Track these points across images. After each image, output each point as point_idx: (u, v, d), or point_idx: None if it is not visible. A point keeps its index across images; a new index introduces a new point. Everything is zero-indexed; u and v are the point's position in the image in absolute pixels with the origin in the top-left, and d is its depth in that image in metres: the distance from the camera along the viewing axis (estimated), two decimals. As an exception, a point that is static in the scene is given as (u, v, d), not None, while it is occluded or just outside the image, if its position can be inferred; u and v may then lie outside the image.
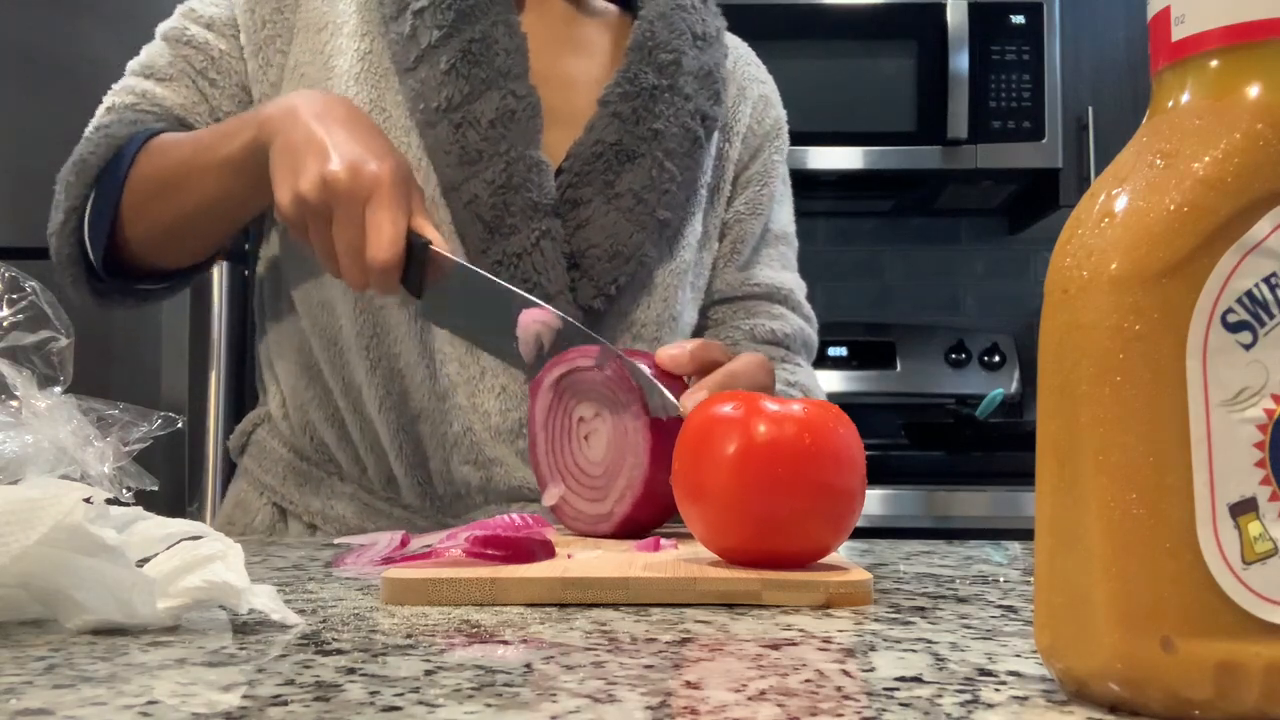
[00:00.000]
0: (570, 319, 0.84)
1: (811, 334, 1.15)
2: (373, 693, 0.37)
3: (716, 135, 1.09)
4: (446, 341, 0.95)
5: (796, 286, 1.15)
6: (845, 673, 0.41)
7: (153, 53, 1.04)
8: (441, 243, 0.84)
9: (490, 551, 0.61)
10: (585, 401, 0.81)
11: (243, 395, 1.98)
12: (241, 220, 1.00)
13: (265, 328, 1.07)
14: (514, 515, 0.69)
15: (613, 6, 1.11)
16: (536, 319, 0.83)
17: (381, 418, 0.97)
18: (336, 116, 0.86)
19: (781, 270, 1.15)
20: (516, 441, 0.96)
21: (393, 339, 0.96)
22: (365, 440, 0.99)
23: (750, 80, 1.15)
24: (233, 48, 1.02)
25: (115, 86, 1.04)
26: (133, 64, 1.05)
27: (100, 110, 1.04)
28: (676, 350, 0.80)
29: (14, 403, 0.54)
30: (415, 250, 0.83)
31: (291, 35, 1.01)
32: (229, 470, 1.85)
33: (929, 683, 0.40)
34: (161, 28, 1.05)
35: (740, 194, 1.12)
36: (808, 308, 1.16)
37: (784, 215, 1.17)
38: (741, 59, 1.16)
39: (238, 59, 1.02)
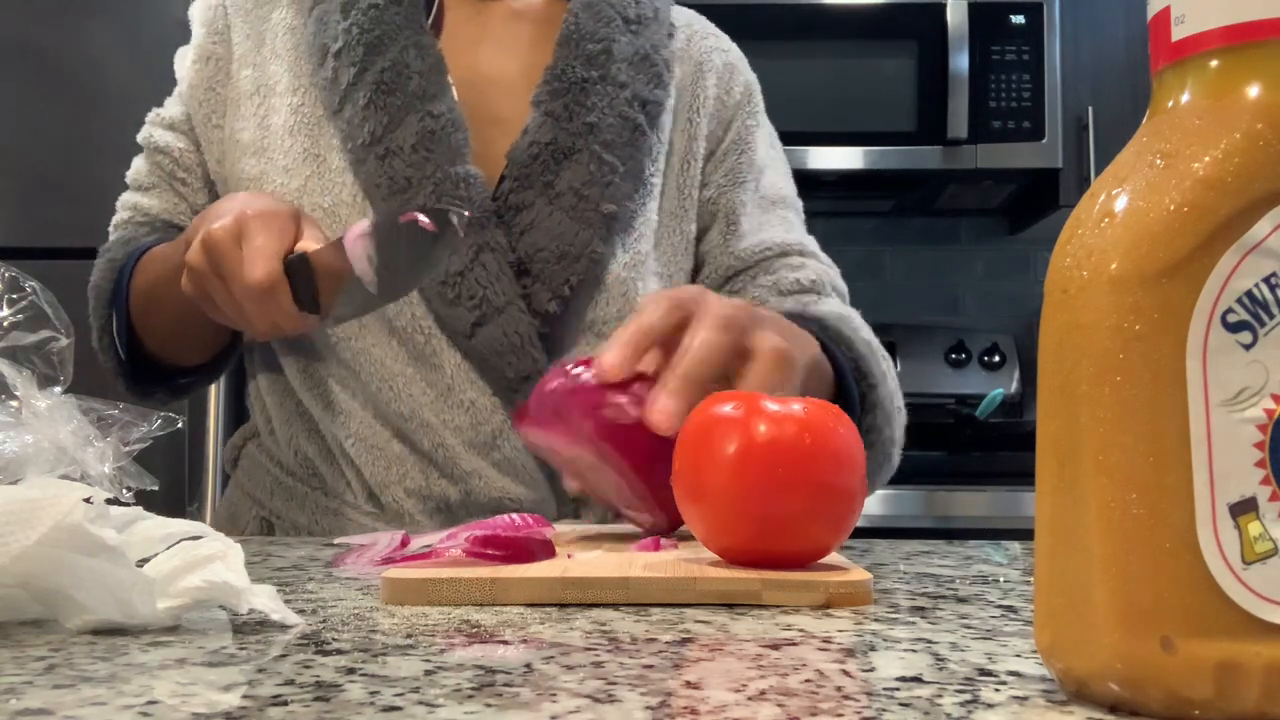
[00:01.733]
0: (567, 290, 0.85)
1: (836, 277, 1.08)
2: (373, 693, 0.37)
3: (670, 117, 1.06)
4: (408, 364, 0.95)
5: (809, 242, 1.09)
6: (845, 673, 0.41)
7: (136, 165, 1.09)
8: (319, 248, 0.83)
9: (490, 551, 0.61)
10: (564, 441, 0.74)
11: (242, 395, 1.98)
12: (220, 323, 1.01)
13: (249, 348, 1.09)
14: (514, 515, 0.69)
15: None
16: (354, 238, 0.82)
17: (357, 436, 0.98)
18: (234, 199, 0.88)
19: (788, 232, 1.09)
20: (492, 453, 0.96)
21: (359, 364, 0.97)
22: (345, 458, 1.00)
23: (710, 52, 1.11)
24: (190, 144, 1.06)
25: (117, 204, 1.10)
26: (126, 178, 1.10)
27: (111, 230, 1.09)
28: (608, 357, 0.70)
29: (14, 403, 0.54)
30: (293, 266, 0.82)
31: (224, 108, 1.03)
32: (227, 470, 1.86)
33: (929, 683, 0.40)
34: (139, 136, 1.09)
35: (719, 167, 1.08)
36: (825, 257, 1.09)
37: (775, 179, 1.12)
38: (697, 33, 1.12)
39: (195, 154, 1.06)
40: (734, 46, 1.16)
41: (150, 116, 1.09)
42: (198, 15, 1.08)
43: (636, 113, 1.00)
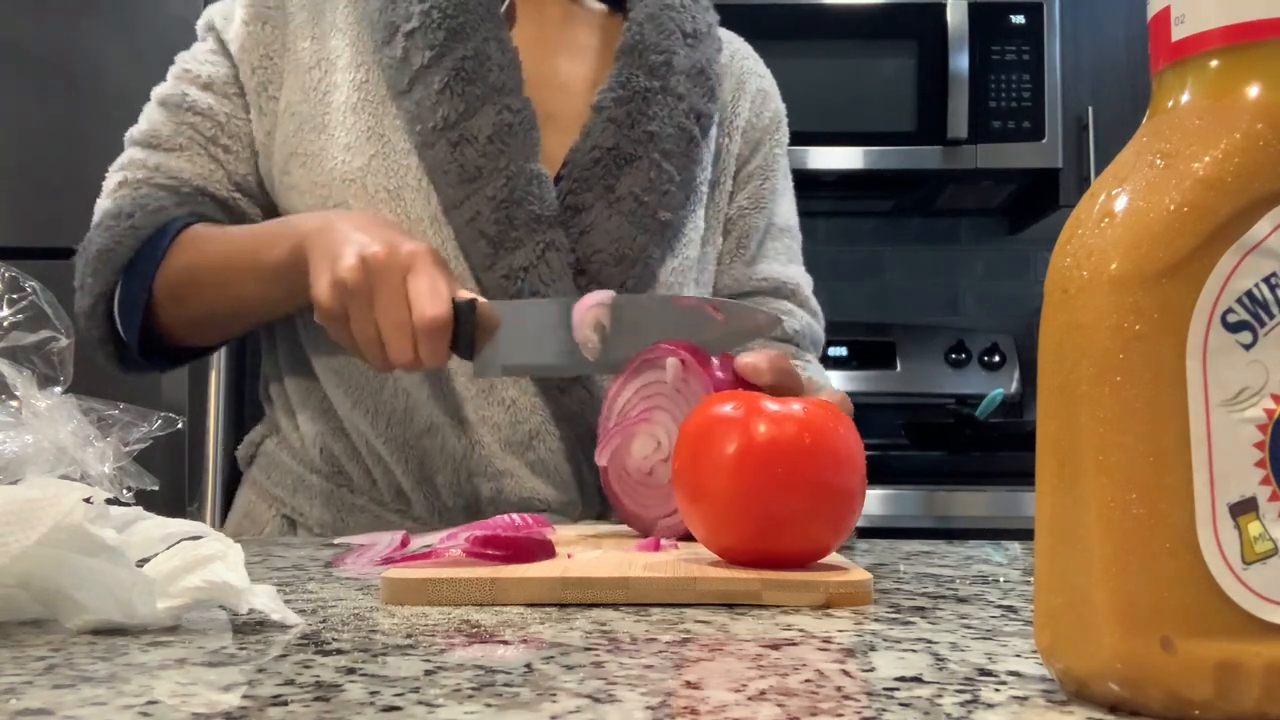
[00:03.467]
0: (621, 291, 0.84)
1: (819, 330, 1.15)
2: (373, 693, 0.37)
3: (715, 130, 1.09)
4: (453, 358, 0.95)
5: (804, 281, 1.15)
6: (845, 673, 0.41)
7: (155, 121, 1.03)
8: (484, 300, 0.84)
9: (490, 551, 0.61)
10: (658, 409, 0.79)
11: (242, 395, 1.98)
12: (274, 318, 1.01)
13: (271, 346, 1.07)
14: (514, 515, 0.69)
15: (602, 5, 1.11)
16: (588, 305, 0.83)
17: (389, 433, 0.97)
18: (370, 220, 0.87)
19: (788, 264, 1.15)
20: (527, 453, 0.96)
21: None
22: (373, 455, 0.99)
23: (748, 74, 1.15)
24: (237, 108, 1.02)
25: (122, 159, 1.04)
26: (134, 133, 1.04)
27: (111, 184, 1.03)
28: (754, 359, 0.79)
29: (14, 403, 0.54)
30: (462, 311, 0.83)
31: (282, 79, 1.01)
32: (229, 471, 1.85)
33: (929, 683, 0.40)
34: (158, 92, 1.04)
35: (742, 189, 1.12)
36: (814, 303, 1.16)
37: (786, 208, 1.17)
38: (739, 53, 1.16)
39: (244, 120, 1.02)
40: (769, 73, 1.19)
41: (178, 72, 1.04)
42: None
43: (692, 124, 1.02)
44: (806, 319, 1.13)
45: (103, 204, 1.02)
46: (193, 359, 1.09)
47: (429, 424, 0.96)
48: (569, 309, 0.83)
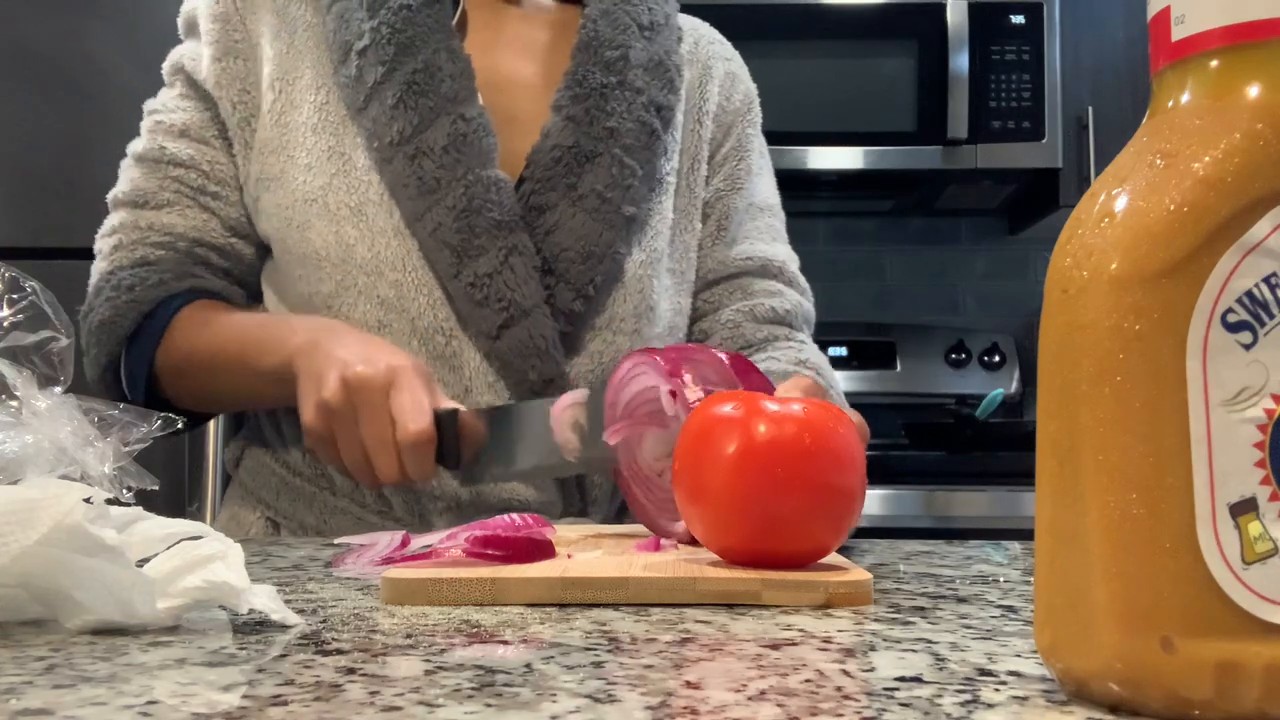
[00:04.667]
0: (595, 386, 0.84)
1: (809, 307, 1.14)
2: (373, 693, 0.37)
3: (683, 119, 1.09)
4: (427, 364, 0.95)
5: (789, 258, 1.15)
6: (845, 673, 0.41)
7: (136, 179, 1.03)
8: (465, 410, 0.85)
9: (490, 551, 0.61)
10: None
11: (243, 395, 1.98)
12: (269, 405, 1.03)
13: None
14: (514, 515, 0.69)
15: (557, 1, 1.11)
16: (565, 406, 0.82)
17: None
18: (356, 337, 0.89)
19: (772, 242, 1.14)
20: None
21: None
22: None
23: (714, 59, 1.14)
24: (219, 151, 1.02)
25: (111, 223, 1.03)
26: (117, 195, 1.04)
27: (106, 249, 1.03)
28: (788, 390, 0.80)
29: (14, 403, 0.54)
30: (444, 421, 0.84)
31: (257, 109, 1.01)
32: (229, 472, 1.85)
33: (929, 683, 0.40)
34: (135, 149, 1.04)
35: (717, 172, 1.12)
36: (802, 280, 1.15)
37: (765, 187, 1.17)
38: (703, 39, 1.16)
39: (227, 162, 1.02)
40: (736, 55, 1.18)
41: (150, 125, 1.04)
42: (205, 12, 1.03)
43: (652, 117, 1.02)
44: (796, 297, 1.12)
45: (99, 267, 1.03)
46: (208, 420, 1.12)
47: None
48: (548, 412, 0.83)
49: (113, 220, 1.03)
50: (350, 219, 0.96)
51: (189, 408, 1.03)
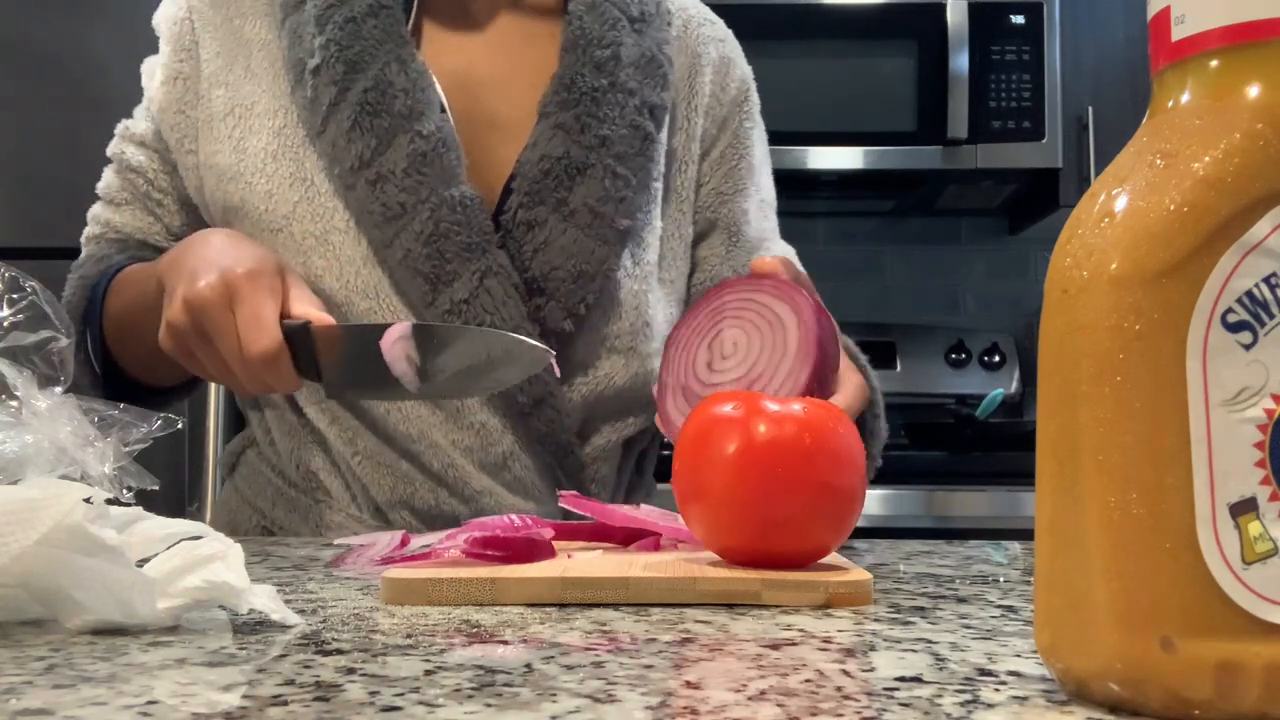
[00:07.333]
0: (414, 321, 0.81)
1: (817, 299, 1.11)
2: (373, 693, 0.37)
3: (672, 116, 1.02)
4: None
5: (791, 253, 1.08)
6: (845, 673, 0.41)
7: (107, 178, 1.05)
8: (321, 318, 0.81)
9: (490, 551, 0.61)
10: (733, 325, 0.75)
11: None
12: None
13: None
14: (514, 515, 0.69)
15: None
16: (393, 340, 0.80)
17: (365, 455, 0.96)
18: (210, 245, 0.85)
19: (777, 239, 1.09)
20: (502, 473, 0.95)
21: None
22: (351, 474, 0.98)
23: (705, 42, 1.07)
24: (164, 164, 1.02)
25: (89, 215, 1.06)
26: (98, 189, 1.06)
27: (82, 240, 1.06)
28: (770, 261, 0.78)
29: (14, 403, 0.54)
30: (296, 335, 0.80)
31: (196, 131, 0.99)
32: (224, 475, 1.85)
33: (929, 683, 0.40)
34: (109, 149, 1.05)
35: (716, 171, 1.05)
36: (805, 275, 1.12)
37: (768, 181, 1.11)
38: (693, 19, 1.07)
39: (170, 175, 1.02)
40: (729, 34, 1.11)
41: (120, 129, 1.05)
42: (164, 30, 1.02)
43: (645, 120, 0.96)
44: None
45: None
46: (175, 400, 1.08)
47: (403, 449, 0.95)
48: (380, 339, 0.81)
49: (90, 214, 1.06)
50: (317, 249, 0.93)
51: (147, 379, 1.01)
